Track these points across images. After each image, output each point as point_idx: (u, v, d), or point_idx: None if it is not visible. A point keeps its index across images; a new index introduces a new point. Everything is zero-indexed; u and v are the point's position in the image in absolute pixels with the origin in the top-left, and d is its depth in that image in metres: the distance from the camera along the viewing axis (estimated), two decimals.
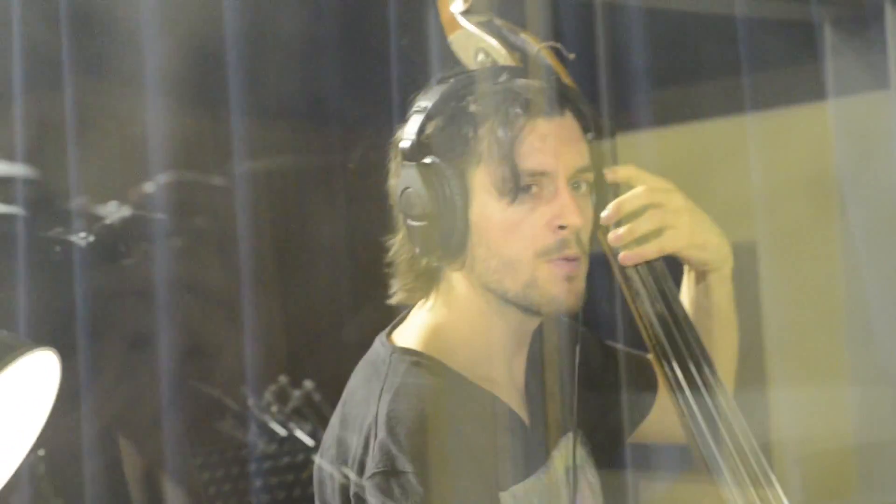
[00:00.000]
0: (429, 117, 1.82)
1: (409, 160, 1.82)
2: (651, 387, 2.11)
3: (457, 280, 1.88)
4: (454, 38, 2.02)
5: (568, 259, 1.86)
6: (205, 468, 2.47)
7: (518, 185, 1.82)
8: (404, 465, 1.73)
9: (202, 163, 2.52)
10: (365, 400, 1.83)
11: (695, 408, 1.88)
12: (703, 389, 1.89)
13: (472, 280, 1.87)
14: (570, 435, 1.96)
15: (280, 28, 2.65)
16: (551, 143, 1.84)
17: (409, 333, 1.90)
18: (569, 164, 1.85)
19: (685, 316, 1.93)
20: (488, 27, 1.99)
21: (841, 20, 3.05)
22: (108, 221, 2.27)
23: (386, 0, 2.56)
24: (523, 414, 1.91)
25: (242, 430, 2.53)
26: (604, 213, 1.91)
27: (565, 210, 1.84)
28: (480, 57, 1.99)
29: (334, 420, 1.88)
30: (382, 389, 1.81)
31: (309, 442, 2.57)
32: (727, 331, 2.08)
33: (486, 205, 1.83)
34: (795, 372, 2.96)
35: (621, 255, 1.91)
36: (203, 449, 2.48)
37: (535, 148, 1.84)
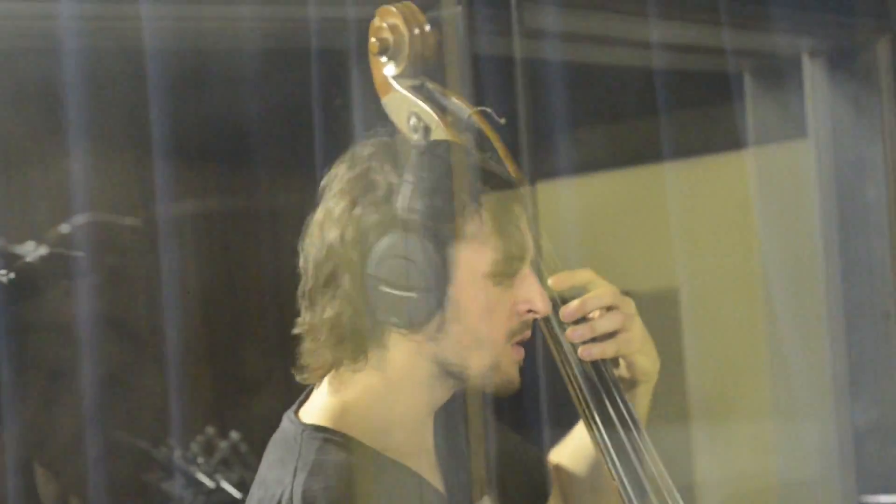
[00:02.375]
0: (423, 191, 1.82)
1: (411, 230, 1.79)
2: (544, 486, 2.15)
3: (402, 349, 1.86)
4: (387, 101, 2.02)
5: (522, 343, 1.89)
6: None
7: (509, 270, 1.84)
8: None
9: (124, 204, 2.52)
10: (279, 479, 1.81)
11: (619, 465, 1.90)
12: (629, 447, 1.91)
13: (425, 352, 1.85)
14: (486, 499, 1.98)
15: (204, 70, 2.66)
16: (525, 226, 1.87)
17: (318, 410, 1.88)
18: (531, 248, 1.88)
19: (613, 378, 1.96)
20: (420, 91, 2.00)
21: (760, 70, 3.10)
22: (27, 259, 2.27)
23: (309, 55, 2.57)
24: (437, 482, 1.92)
25: (170, 482, 2.51)
26: (567, 310, 1.93)
27: (537, 296, 1.87)
28: (413, 121, 1.99)
29: (253, 500, 1.87)
30: (297, 468, 1.80)
31: (236, 494, 2.57)
32: None
33: (471, 284, 1.83)
34: (719, 414, 2.99)
35: (582, 350, 1.93)
36: (129, 500, 2.46)
37: (519, 231, 1.86)
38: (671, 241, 2.94)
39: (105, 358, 2.40)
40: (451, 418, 1.99)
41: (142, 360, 2.52)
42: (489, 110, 1.99)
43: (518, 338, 1.88)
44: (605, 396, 1.94)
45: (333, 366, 1.86)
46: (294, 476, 1.80)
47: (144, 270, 2.52)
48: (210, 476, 2.57)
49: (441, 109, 1.98)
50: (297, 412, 1.91)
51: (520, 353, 1.89)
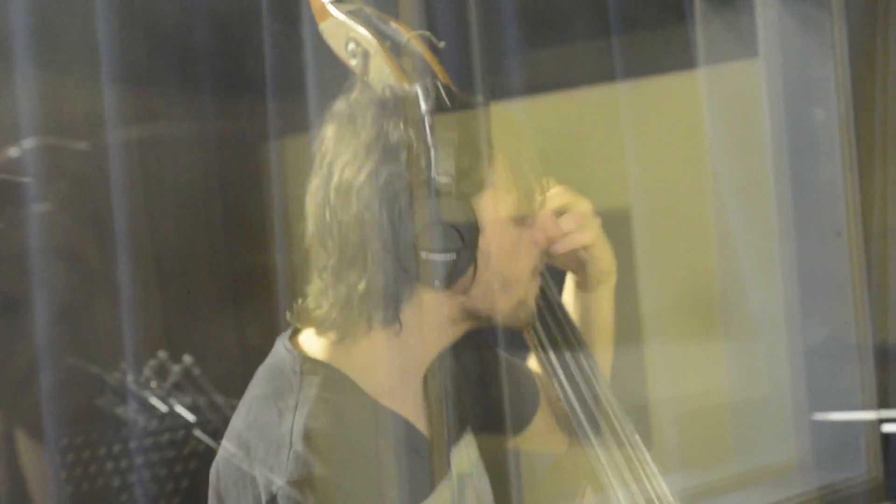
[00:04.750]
0: (458, 149, 1.79)
1: (447, 194, 1.78)
2: (534, 396, 2.16)
3: (429, 305, 1.85)
4: (325, 27, 2.00)
5: (540, 273, 1.91)
6: (85, 446, 2.45)
7: (530, 208, 1.84)
8: (321, 476, 1.72)
9: (72, 130, 2.49)
10: (276, 410, 1.80)
11: (564, 379, 1.92)
12: (571, 362, 1.93)
13: (452, 304, 1.85)
14: (461, 442, 1.99)
15: None
16: (533, 160, 1.88)
17: (320, 343, 1.87)
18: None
19: (555, 295, 1.97)
20: (358, 16, 1.98)
21: None
22: None
23: None
24: (422, 425, 1.92)
25: (122, 407, 2.51)
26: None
27: (552, 224, 1.88)
28: (351, 46, 1.98)
29: (238, 424, 1.85)
30: (298, 403, 1.79)
31: (190, 417, 2.56)
32: (608, 342, 2.13)
33: (498, 231, 1.83)
34: (671, 334, 3.01)
35: (556, 245, 1.95)
36: (83, 426, 2.46)
37: (530, 167, 1.86)
38: (623, 161, 2.95)
39: (55, 285, 2.39)
40: (444, 360, 1.99)
41: (92, 287, 2.51)
42: (428, 34, 1.98)
43: (539, 269, 1.90)
44: (550, 319, 1.96)
45: (364, 332, 1.84)
46: (295, 411, 1.79)
47: (94, 196, 2.50)
48: (163, 400, 2.56)
49: (379, 34, 1.97)
50: (293, 339, 1.90)
51: (538, 284, 1.90)
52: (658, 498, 1.88)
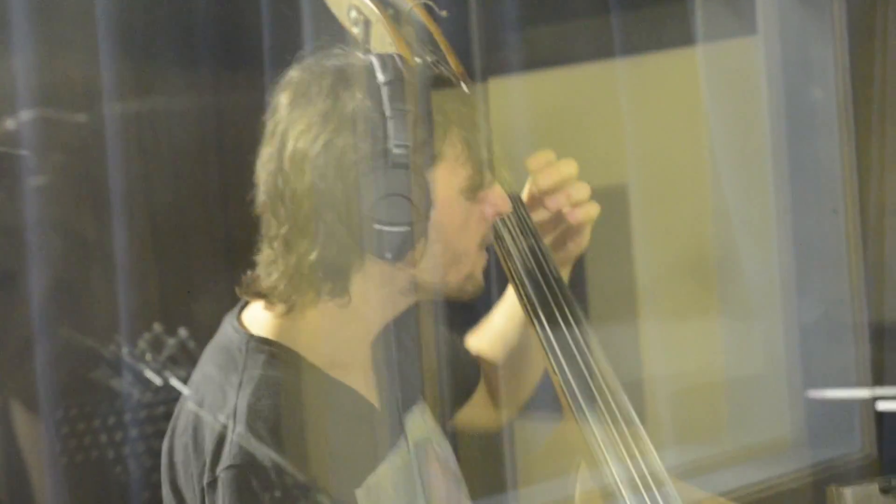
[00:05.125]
0: (415, 121, 1.77)
1: (402, 166, 1.77)
2: (474, 369, 2.17)
3: (376, 277, 1.84)
4: None
5: (488, 247, 1.91)
6: (80, 418, 2.45)
7: (481, 182, 1.84)
8: (264, 459, 1.71)
9: (69, 102, 2.49)
10: (221, 389, 1.79)
11: (560, 354, 1.92)
12: (568, 336, 1.93)
13: (401, 276, 1.85)
14: (415, 409, 1.99)
15: None
16: (485, 133, 1.87)
17: (265, 320, 1.86)
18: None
19: (554, 269, 1.97)
20: None
21: None
22: None
23: None
24: (372, 395, 1.92)
25: (117, 380, 2.51)
26: (530, 158, 1.97)
27: (501, 198, 1.88)
28: (353, 14, 1.97)
29: (189, 405, 1.85)
30: (241, 382, 1.78)
31: (184, 390, 2.56)
32: None
33: (449, 204, 1.82)
34: (667, 310, 3.01)
35: (575, 211, 1.97)
36: (78, 399, 2.46)
37: (482, 141, 1.86)
38: (620, 138, 2.94)
39: (51, 258, 2.39)
40: (390, 331, 1.99)
41: (88, 260, 2.51)
42: (431, 3, 1.97)
43: (487, 243, 1.90)
44: (549, 295, 1.96)
45: (311, 303, 1.84)
46: (239, 390, 1.78)
47: (91, 168, 2.50)
48: (158, 373, 2.56)
49: (381, 3, 1.96)
50: (240, 317, 1.89)
51: (486, 257, 1.91)
52: (652, 474, 1.88)
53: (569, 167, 2.00)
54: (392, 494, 1.86)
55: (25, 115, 2.35)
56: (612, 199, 2.90)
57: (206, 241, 2.71)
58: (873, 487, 1.80)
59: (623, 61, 2.93)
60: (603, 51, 2.94)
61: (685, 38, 3.00)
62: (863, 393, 3.00)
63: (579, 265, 2.76)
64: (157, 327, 2.58)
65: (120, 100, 2.53)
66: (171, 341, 2.59)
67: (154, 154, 2.70)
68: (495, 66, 2.75)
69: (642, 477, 1.87)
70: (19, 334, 2.38)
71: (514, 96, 2.85)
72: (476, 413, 2.19)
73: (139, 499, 2.44)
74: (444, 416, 2.10)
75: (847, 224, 3.00)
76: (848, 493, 1.79)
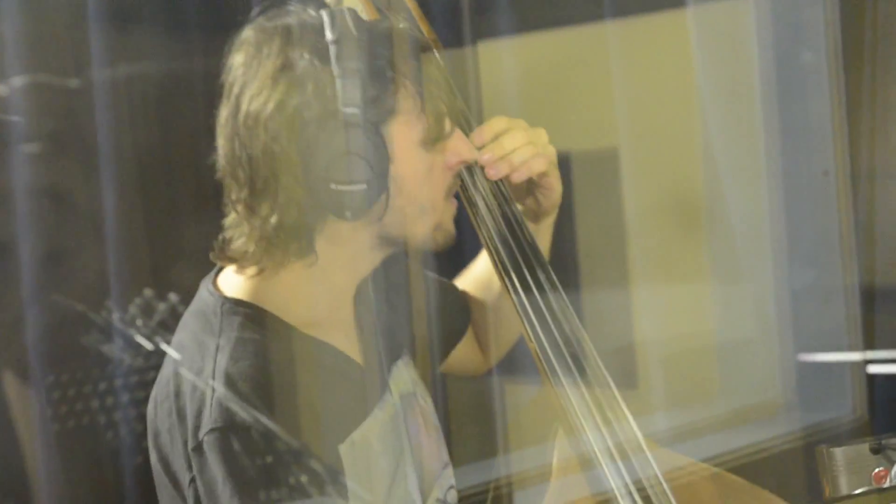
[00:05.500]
0: (365, 79, 1.76)
1: (355, 124, 1.75)
2: (465, 312, 2.17)
3: (342, 235, 1.84)
4: None
5: (455, 195, 1.90)
6: (71, 384, 2.45)
7: (440, 133, 1.83)
8: (244, 420, 1.71)
9: (58, 67, 2.47)
10: (200, 354, 1.79)
11: (535, 321, 1.91)
12: (541, 303, 1.93)
13: (366, 232, 1.84)
14: (400, 362, 1.99)
15: None
16: (443, 84, 1.86)
17: (239, 283, 1.86)
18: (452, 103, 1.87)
19: (528, 235, 1.97)
20: None
21: None
22: None
23: None
24: (355, 352, 1.92)
25: (108, 345, 2.50)
26: (474, 134, 1.94)
27: (464, 147, 1.87)
28: None
29: (166, 372, 1.85)
30: (219, 346, 1.78)
31: (175, 355, 2.56)
32: None
33: (409, 157, 1.81)
34: (658, 275, 3.01)
35: (490, 169, 1.94)
36: (68, 364, 2.45)
37: (441, 92, 1.85)
38: (612, 100, 2.93)
39: (42, 225, 2.38)
40: (370, 285, 1.99)
41: (79, 226, 2.50)
42: None
43: (453, 192, 1.90)
44: (522, 261, 1.96)
45: (280, 264, 1.84)
46: (216, 354, 1.78)
47: (81, 134, 2.49)
48: (149, 338, 2.55)
49: None
50: (215, 282, 1.89)
51: (454, 205, 1.90)
52: (629, 441, 1.88)
53: (514, 139, 1.97)
54: (378, 448, 1.87)
55: (18, 80, 2.34)
56: (602, 162, 2.90)
57: (198, 206, 2.71)
58: (864, 447, 1.80)
59: (614, 23, 2.92)
60: (593, 13, 2.93)
61: (676, 1, 3.00)
62: (854, 356, 3.00)
63: (570, 230, 2.76)
64: (148, 293, 2.57)
65: (110, 64, 2.51)
66: (161, 307, 2.58)
67: (145, 119, 2.68)
68: (485, 30, 2.74)
69: (618, 444, 1.87)
70: (10, 301, 2.37)
71: (504, 60, 2.84)
72: (462, 358, 2.19)
73: (131, 464, 2.44)
74: (433, 369, 2.11)
75: (838, 186, 2.99)
76: (838, 453, 1.79)
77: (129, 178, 2.56)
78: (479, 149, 1.96)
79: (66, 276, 2.48)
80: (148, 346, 2.54)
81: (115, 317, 2.51)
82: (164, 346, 2.56)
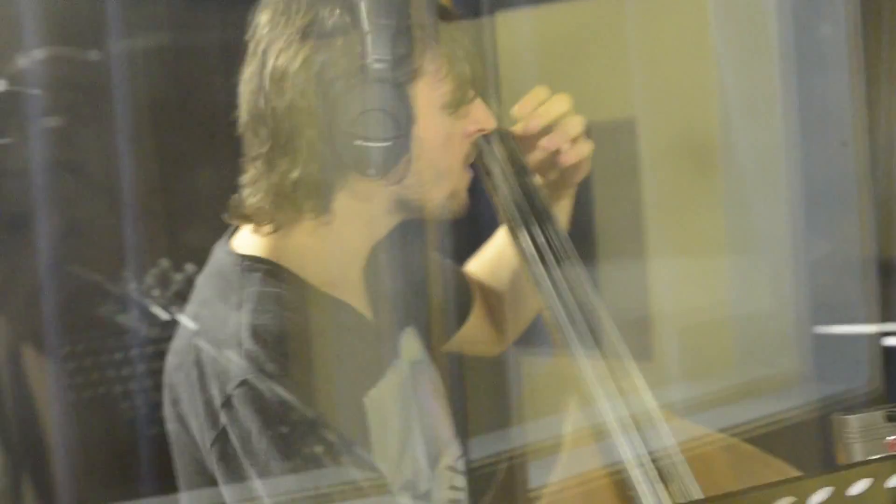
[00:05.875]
0: (394, 35, 1.77)
1: (382, 81, 1.76)
2: (468, 294, 2.17)
3: (360, 194, 1.85)
4: None
5: (471, 165, 1.91)
6: (87, 353, 2.46)
7: (464, 98, 1.84)
8: (274, 371, 1.72)
9: (78, 39, 2.48)
10: (221, 312, 1.80)
11: (550, 291, 1.91)
12: (558, 275, 1.93)
13: (384, 193, 1.85)
14: (409, 330, 1.99)
15: None
16: (469, 50, 1.86)
17: (255, 242, 1.87)
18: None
19: (545, 206, 1.97)
20: None
21: None
22: None
23: None
24: (367, 313, 1.92)
25: (124, 315, 2.51)
26: (519, 105, 1.95)
27: (484, 115, 1.88)
28: None
29: (184, 336, 1.85)
30: (242, 300, 1.79)
31: (192, 326, 2.57)
32: None
33: (431, 119, 1.82)
34: (675, 247, 3.01)
35: (569, 151, 1.95)
36: (85, 334, 2.46)
37: (466, 57, 1.85)
38: (628, 71, 2.93)
39: (61, 196, 2.39)
40: (384, 250, 2.00)
41: (96, 197, 2.51)
42: None
43: (469, 160, 1.90)
44: (539, 232, 1.95)
45: (295, 221, 1.84)
46: (240, 308, 1.79)
47: (99, 105, 2.49)
48: (165, 308, 2.56)
49: None
50: (229, 243, 1.90)
51: (470, 174, 1.90)
52: (644, 412, 1.88)
53: (561, 104, 1.98)
54: (391, 409, 1.88)
55: (39, 52, 2.35)
56: (619, 133, 2.89)
57: (215, 177, 2.71)
58: (878, 415, 1.80)
59: None
60: None
61: None
62: (870, 328, 2.99)
63: (586, 202, 2.75)
64: (165, 263, 2.58)
65: (128, 37, 2.51)
66: (178, 277, 2.59)
67: (163, 90, 2.69)
68: (501, 0, 2.74)
69: (633, 415, 1.87)
70: (29, 273, 2.38)
71: (521, 29, 2.83)
72: (472, 339, 2.20)
73: (147, 433, 2.45)
74: (437, 341, 2.11)
75: (857, 158, 2.98)
76: (853, 420, 1.79)
77: (147, 148, 2.57)
78: (531, 121, 1.96)
79: (82, 248, 2.48)
80: (164, 315, 2.56)
81: (132, 287, 2.52)
82: (179, 316, 2.57)
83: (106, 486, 2.45)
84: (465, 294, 2.20)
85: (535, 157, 2.00)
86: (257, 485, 1.72)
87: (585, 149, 1.98)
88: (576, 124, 1.97)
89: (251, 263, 1.84)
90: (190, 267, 2.59)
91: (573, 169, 2.02)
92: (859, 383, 2.97)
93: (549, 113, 1.96)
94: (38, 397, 2.39)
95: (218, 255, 1.90)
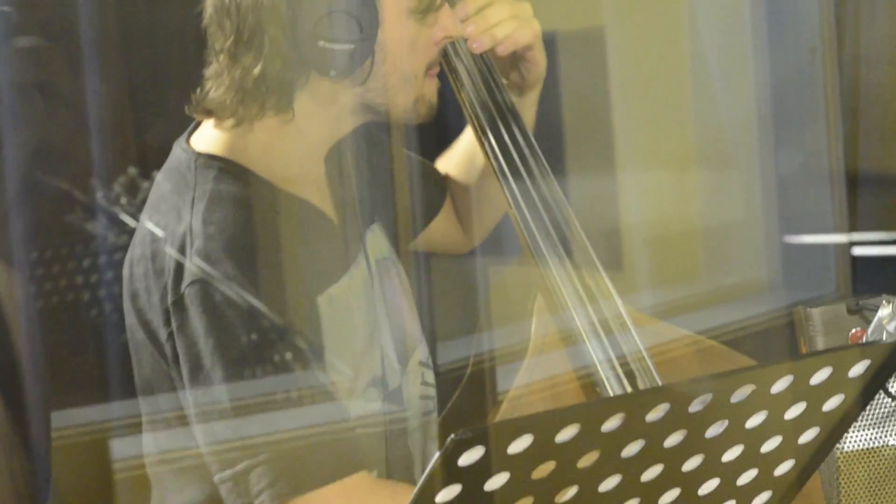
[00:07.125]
0: None
1: None
2: (440, 189, 2.17)
3: (323, 94, 1.84)
4: None
5: (437, 70, 1.91)
6: (55, 260, 2.45)
7: (433, 4, 1.83)
8: (226, 270, 1.72)
9: None
10: (175, 209, 1.80)
11: (517, 193, 1.92)
12: (525, 175, 1.93)
13: (348, 95, 1.85)
14: (375, 227, 2.00)
15: None
16: None
17: (213, 139, 1.86)
18: None
19: (510, 105, 1.97)
20: None
21: None
22: None
23: None
24: (329, 210, 1.92)
25: (92, 222, 2.50)
26: (458, 6, 1.94)
27: (451, 22, 1.87)
28: None
29: (142, 233, 1.86)
30: (194, 198, 1.79)
31: (159, 233, 2.56)
32: None
33: (397, 23, 1.82)
34: (644, 157, 3.01)
35: (473, 42, 1.95)
36: (52, 241, 2.46)
37: None
38: None
39: (29, 109, 2.37)
40: (347, 148, 2.00)
41: (64, 106, 2.49)
42: None
43: (435, 68, 1.90)
44: (501, 125, 1.96)
45: (256, 117, 1.84)
46: (192, 206, 1.79)
47: (69, 21, 2.48)
48: (132, 216, 2.55)
49: None
50: (188, 140, 1.90)
51: (436, 81, 1.90)
52: (613, 317, 1.89)
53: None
54: (354, 306, 1.88)
55: None
56: (588, 43, 2.88)
57: (183, 86, 2.70)
58: (841, 308, 1.82)
59: None
60: None
61: None
62: (839, 238, 3.01)
63: (556, 113, 2.75)
64: (132, 171, 2.57)
65: None
66: (145, 185, 2.58)
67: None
68: None
69: (602, 320, 1.88)
70: None
71: None
72: (441, 234, 2.20)
73: (115, 340, 2.45)
74: (406, 237, 2.11)
75: (825, 65, 2.98)
76: (816, 313, 1.81)
77: (114, 57, 2.55)
78: (463, 21, 1.96)
79: (49, 154, 2.47)
80: (132, 223, 2.55)
81: (99, 195, 2.51)
82: (148, 224, 2.56)
83: (74, 392, 2.45)
84: (437, 188, 2.19)
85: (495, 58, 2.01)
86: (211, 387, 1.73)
87: (525, 34, 1.97)
88: (497, 13, 1.96)
89: (206, 160, 1.84)
90: (157, 175, 2.58)
91: (529, 65, 2.02)
92: (828, 291, 2.98)
93: (486, 20, 1.96)
94: (6, 305, 2.38)
95: (175, 151, 1.91)
